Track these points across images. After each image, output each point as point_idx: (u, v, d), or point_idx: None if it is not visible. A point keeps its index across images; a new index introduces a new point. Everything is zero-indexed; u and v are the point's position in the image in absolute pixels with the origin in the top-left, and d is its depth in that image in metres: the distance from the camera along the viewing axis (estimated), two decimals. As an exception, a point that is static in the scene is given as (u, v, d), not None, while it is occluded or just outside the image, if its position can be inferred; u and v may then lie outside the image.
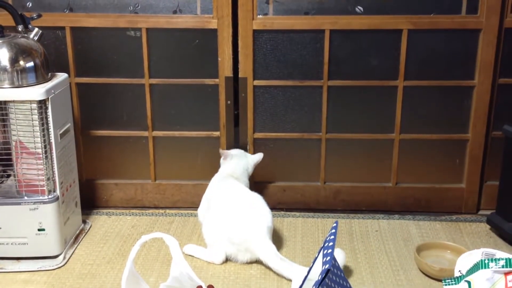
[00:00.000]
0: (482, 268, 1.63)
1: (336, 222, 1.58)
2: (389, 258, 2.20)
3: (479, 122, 2.44)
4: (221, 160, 2.39)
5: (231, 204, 2.16)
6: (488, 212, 2.43)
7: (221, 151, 2.39)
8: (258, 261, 2.11)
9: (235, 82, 2.47)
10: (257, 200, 2.19)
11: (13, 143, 2.08)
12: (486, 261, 1.63)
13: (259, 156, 2.40)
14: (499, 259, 1.63)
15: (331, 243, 1.46)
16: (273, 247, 2.06)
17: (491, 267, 1.61)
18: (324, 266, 1.42)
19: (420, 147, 2.51)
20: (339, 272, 1.50)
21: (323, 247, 1.52)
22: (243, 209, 2.14)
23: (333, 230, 1.52)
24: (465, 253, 1.88)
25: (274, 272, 2.04)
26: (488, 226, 2.41)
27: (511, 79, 2.42)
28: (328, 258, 1.42)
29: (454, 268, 1.88)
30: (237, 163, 2.36)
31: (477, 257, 1.73)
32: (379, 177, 2.56)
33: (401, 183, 2.56)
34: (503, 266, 1.60)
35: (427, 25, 2.35)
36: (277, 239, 2.32)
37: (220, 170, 2.39)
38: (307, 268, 1.94)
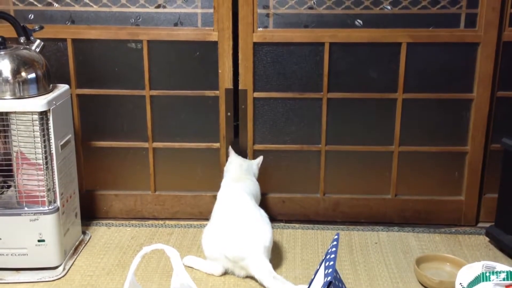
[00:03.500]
0: (483, 281, 1.64)
1: (338, 234, 1.58)
2: (388, 270, 2.20)
3: (478, 134, 2.46)
4: (224, 168, 2.42)
5: (231, 220, 2.13)
6: (487, 225, 2.44)
7: (230, 148, 2.44)
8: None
9: (235, 94, 2.49)
10: (259, 217, 2.16)
11: (14, 154, 2.08)
12: (487, 274, 1.64)
13: (259, 159, 2.44)
14: (500, 272, 1.63)
15: (332, 255, 1.46)
16: (269, 265, 2.04)
17: (492, 280, 1.62)
18: (326, 278, 1.42)
19: (419, 160, 2.52)
20: (340, 285, 1.50)
21: (325, 259, 1.52)
22: (241, 226, 2.11)
23: (335, 242, 1.53)
24: (466, 265, 1.88)
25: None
26: (487, 239, 2.41)
27: (510, 92, 2.44)
28: (330, 270, 1.42)
29: (454, 281, 1.88)
30: (236, 162, 2.40)
31: (478, 270, 1.74)
32: (379, 189, 2.56)
33: (400, 195, 2.56)
34: (504, 279, 1.61)
35: (426, 39, 2.37)
36: (277, 251, 2.32)
37: (225, 174, 2.42)
38: (301, 286, 1.95)
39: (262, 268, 2.03)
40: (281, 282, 1.99)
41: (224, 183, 2.36)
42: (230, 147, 2.46)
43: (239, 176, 2.35)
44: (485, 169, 2.52)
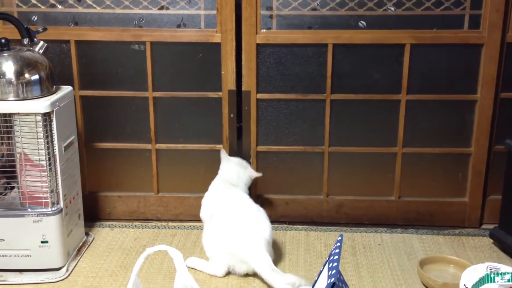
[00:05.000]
0: (488, 282, 1.63)
1: (341, 236, 1.58)
2: (392, 272, 2.19)
3: (481, 136, 2.45)
4: (220, 166, 2.43)
5: (231, 215, 2.17)
6: (491, 226, 2.43)
7: (222, 151, 2.42)
8: (255, 274, 2.10)
9: (238, 95, 2.49)
10: (257, 212, 2.20)
11: (18, 155, 2.09)
12: (492, 275, 1.63)
13: (258, 174, 2.43)
14: (504, 273, 1.63)
15: (336, 257, 1.46)
16: (268, 258, 2.05)
17: (497, 281, 1.61)
18: (329, 280, 1.42)
19: (423, 161, 2.51)
20: (344, 286, 1.50)
21: (328, 261, 1.52)
22: (242, 220, 2.14)
23: (338, 244, 1.52)
24: (470, 267, 1.88)
25: (268, 285, 2.03)
26: (491, 240, 2.41)
27: (514, 93, 2.43)
28: (334, 271, 1.42)
29: (458, 283, 1.88)
30: (233, 169, 2.39)
31: (482, 272, 1.73)
32: (382, 191, 2.56)
33: (404, 197, 2.56)
34: (508, 280, 1.60)
35: (429, 40, 2.37)
36: (280, 252, 2.32)
37: (218, 175, 2.42)
38: (297, 277, 1.95)
39: (262, 261, 2.04)
40: (279, 274, 2.00)
41: (214, 187, 2.37)
42: (222, 149, 2.45)
43: (233, 181, 2.36)
44: (489, 170, 2.51)
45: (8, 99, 2.03)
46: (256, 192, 2.51)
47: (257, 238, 2.09)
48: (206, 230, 2.21)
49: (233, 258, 2.10)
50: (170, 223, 2.59)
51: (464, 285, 1.80)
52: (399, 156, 2.51)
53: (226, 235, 2.11)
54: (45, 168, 2.07)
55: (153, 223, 2.59)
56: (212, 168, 2.52)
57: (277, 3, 2.38)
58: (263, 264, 2.03)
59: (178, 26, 2.43)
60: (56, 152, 2.09)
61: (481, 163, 2.49)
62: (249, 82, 2.45)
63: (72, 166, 2.24)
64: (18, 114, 2.02)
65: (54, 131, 2.07)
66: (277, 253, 2.28)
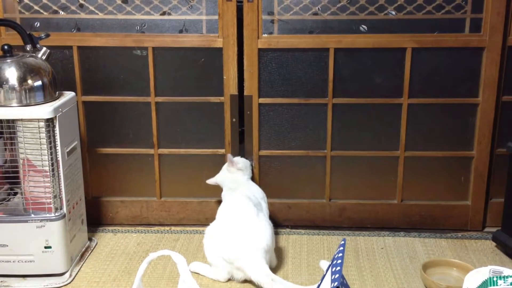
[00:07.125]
0: (490, 285, 1.63)
1: (344, 240, 1.58)
2: (395, 276, 2.19)
3: (483, 139, 2.45)
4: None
5: (229, 223, 2.15)
6: (494, 229, 2.43)
7: (229, 157, 2.43)
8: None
9: (240, 100, 2.49)
10: (256, 220, 2.16)
11: (21, 161, 2.09)
12: (495, 279, 1.63)
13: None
14: (507, 277, 1.62)
15: (339, 261, 1.46)
16: (266, 267, 2.04)
17: (500, 285, 1.61)
18: (333, 284, 1.42)
19: (425, 164, 2.51)
20: (347, 290, 1.50)
21: (332, 265, 1.52)
22: (238, 228, 2.12)
23: (341, 248, 1.53)
24: (473, 270, 1.87)
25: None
26: (494, 243, 2.41)
27: (515, 96, 2.44)
28: (337, 275, 1.42)
29: (460, 286, 1.87)
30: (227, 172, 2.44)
31: (485, 275, 1.73)
32: (385, 194, 2.56)
33: (406, 200, 2.56)
34: (511, 284, 1.60)
35: (431, 44, 2.38)
36: (283, 256, 2.32)
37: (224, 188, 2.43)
38: (297, 286, 1.94)
39: (259, 270, 2.02)
40: (279, 283, 1.99)
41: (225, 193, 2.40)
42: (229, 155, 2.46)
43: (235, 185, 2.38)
44: (491, 173, 2.51)
45: (11, 105, 2.04)
46: (258, 196, 2.51)
47: (254, 248, 2.06)
48: (206, 236, 2.19)
49: (230, 266, 2.10)
50: (173, 228, 2.60)
51: (467, 288, 1.80)
52: (401, 160, 2.51)
53: (222, 243, 2.10)
54: (48, 173, 2.07)
55: (156, 228, 2.59)
56: (214, 172, 2.53)
57: (279, 8, 2.39)
58: (260, 273, 2.02)
59: (180, 31, 2.44)
60: (59, 158, 2.10)
61: (483, 166, 2.49)
62: (251, 86, 2.45)
63: (75, 171, 2.24)
64: (21, 120, 2.03)
65: (57, 137, 2.07)
66: (280, 258, 2.29)
